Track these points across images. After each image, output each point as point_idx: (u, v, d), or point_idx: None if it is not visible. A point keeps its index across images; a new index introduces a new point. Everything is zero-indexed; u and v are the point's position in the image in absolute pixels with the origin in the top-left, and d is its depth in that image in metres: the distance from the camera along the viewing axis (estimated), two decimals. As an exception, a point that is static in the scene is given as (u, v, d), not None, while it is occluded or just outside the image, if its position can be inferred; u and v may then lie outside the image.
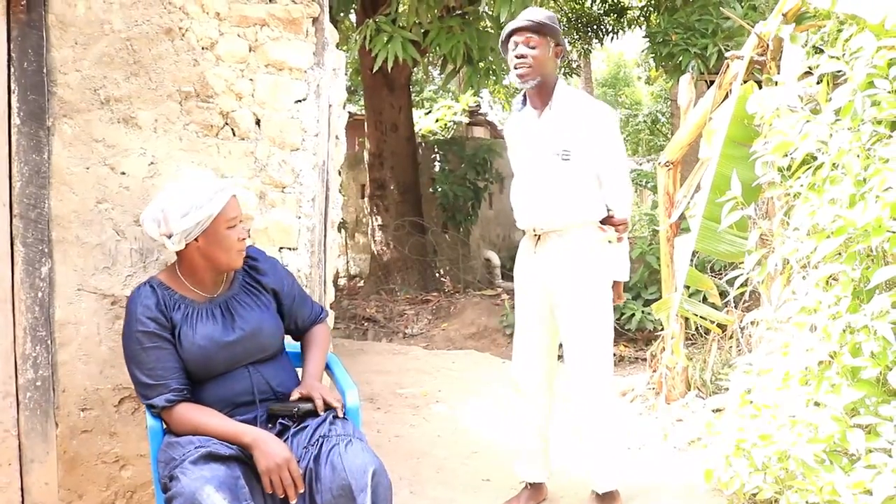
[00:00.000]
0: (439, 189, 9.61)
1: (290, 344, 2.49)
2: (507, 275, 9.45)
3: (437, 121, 11.15)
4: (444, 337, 7.26)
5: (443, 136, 10.87)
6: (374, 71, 7.13)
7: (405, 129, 9.09)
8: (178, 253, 2.22)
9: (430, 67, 10.53)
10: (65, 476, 2.49)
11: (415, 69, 8.95)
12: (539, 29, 2.87)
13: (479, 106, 12.37)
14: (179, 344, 2.16)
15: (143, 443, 2.53)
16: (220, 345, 2.18)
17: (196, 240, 2.16)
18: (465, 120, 11.28)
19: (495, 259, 9.66)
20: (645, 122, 17.05)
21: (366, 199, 9.74)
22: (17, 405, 2.42)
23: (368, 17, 6.94)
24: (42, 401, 2.44)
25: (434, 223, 9.55)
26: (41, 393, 2.44)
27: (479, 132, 12.03)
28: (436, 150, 10.22)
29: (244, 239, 2.24)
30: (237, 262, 2.25)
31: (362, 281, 9.82)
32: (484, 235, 10.16)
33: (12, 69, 2.37)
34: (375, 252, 9.25)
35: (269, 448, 2.01)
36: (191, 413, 2.11)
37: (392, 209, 9.05)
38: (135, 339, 2.13)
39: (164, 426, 2.17)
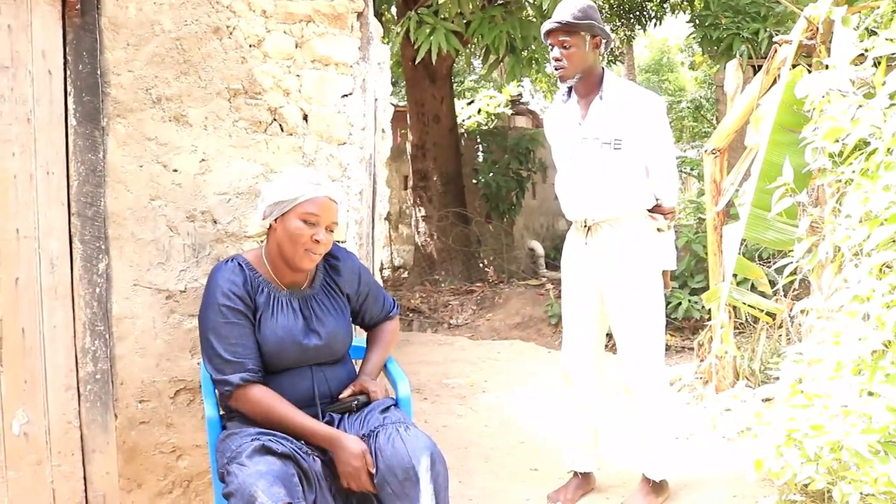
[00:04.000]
0: (482, 179, 9.60)
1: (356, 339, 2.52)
2: (552, 264, 9.40)
3: (479, 111, 11.11)
4: (489, 327, 7.27)
5: (486, 126, 10.82)
6: (416, 62, 7.13)
7: (447, 120, 9.09)
8: (267, 238, 2.26)
9: (472, 58, 10.50)
10: (124, 465, 2.56)
11: (456, 60, 8.93)
12: (569, 28, 2.85)
13: (520, 95, 12.31)
14: (258, 328, 2.18)
15: (199, 433, 2.60)
16: (296, 342, 2.20)
17: (276, 221, 2.20)
18: (509, 111, 11.21)
19: (539, 249, 9.63)
20: (688, 108, 16.79)
21: (409, 191, 9.77)
22: (79, 397, 2.50)
23: (409, 9, 6.95)
24: (102, 393, 2.52)
25: (477, 213, 9.54)
26: (101, 385, 2.51)
27: (520, 121, 11.96)
28: (478, 140, 10.20)
29: (318, 242, 2.18)
30: (304, 262, 2.20)
31: (406, 272, 9.87)
32: (527, 225, 10.13)
33: (68, 72, 2.44)
34: (419, 243, 9.28)
35: (350, 444, 2.05)
36: (267, 397, 2.12)
37: (435, 200, 9.06)
38: (219, 310, 2.14)
39: (224, 414, 2.22)
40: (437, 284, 8.83)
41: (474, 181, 9.74)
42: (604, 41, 2.91)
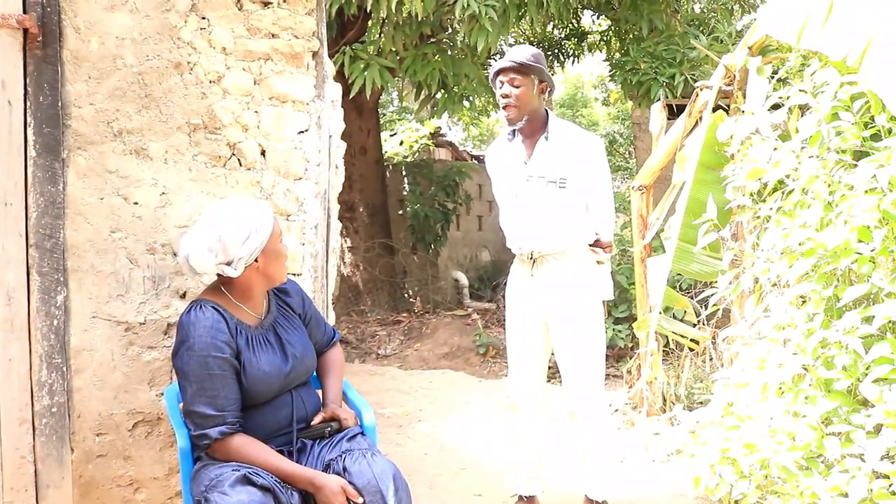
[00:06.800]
0: (409, 210, 9.73)
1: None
2: (476, 294, 9.58)
3: (401, 143, 11.29)
4: (418, 357, 7.34)
5: (409, 157, 11.00)
6: (346, 95, 7.22)
7: (374, 152, 9.21)
8: (227, 277, 2.23)
9: (403, 92, 10.67)
10: (80, 500, 2.53)
11: (385, 92, 9.07)
12: (521, 69, 3.02)
13: (439, 127, 12.56)
14: (243, 370, 2.18)
15: (157, 465, 2.60)
16: (281, 374, 2.25)
17: (256, 260, 2.22)
18: (431, 144, 11.44)
19: (464, 279, 9.80)
20: (603, 142, 17.39)
21: (335, 222, 9.80)
22: (34, 431, 2.46)
23: (338, 43, 7.05)
24: (58, 427, 2.49)
25: (403, 244, 9.65)
26: (57, 419, 2.49)
27: (441, 153, 12.20)
28: (403, 172, 10.34)
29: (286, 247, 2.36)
30: (284, 274, 2.35)
31: (332, 302, 9.86)
32: (452, 256, 10.29)
33: (28, 103, 2.44)
34: (345, 274, 9.31)
35: (329, 482, 2.09)
36: (245, 446, 2.12)
37: (361, 231, 9.14)
38: (204, 363, 2.11)
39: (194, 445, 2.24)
40: (364, 315, 8.86)
41: (400, 212, 9.86)
42: (549, 88, 3.09)
